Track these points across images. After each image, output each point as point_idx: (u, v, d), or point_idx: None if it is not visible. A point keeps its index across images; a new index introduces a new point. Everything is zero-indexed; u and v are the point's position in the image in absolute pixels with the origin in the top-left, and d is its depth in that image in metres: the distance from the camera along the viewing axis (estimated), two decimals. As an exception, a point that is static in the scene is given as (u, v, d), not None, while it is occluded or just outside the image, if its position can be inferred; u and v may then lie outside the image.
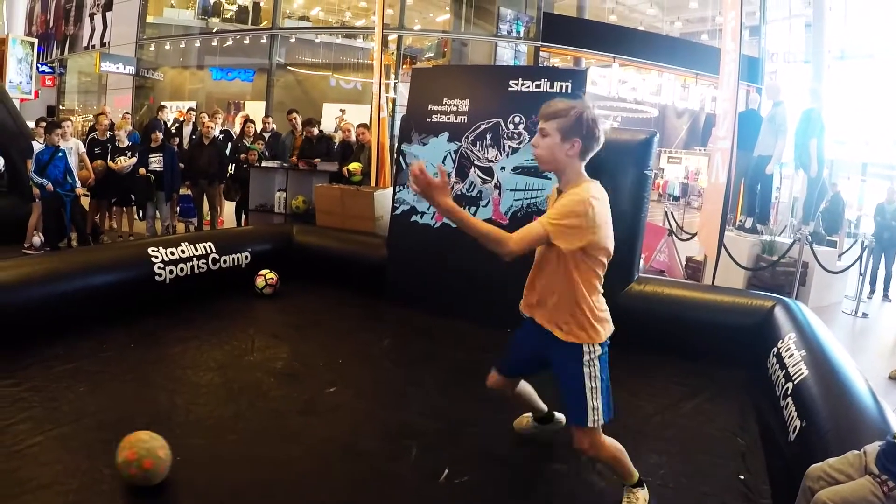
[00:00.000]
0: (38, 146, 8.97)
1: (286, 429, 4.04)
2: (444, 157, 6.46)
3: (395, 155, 7.01)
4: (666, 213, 11.52)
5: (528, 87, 6.20)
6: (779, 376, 4.35)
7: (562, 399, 3.19)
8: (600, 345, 3.06)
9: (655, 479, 3.60)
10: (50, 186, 8.58)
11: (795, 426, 3.58)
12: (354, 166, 8.75)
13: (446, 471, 3.55)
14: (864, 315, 8.92)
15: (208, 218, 10.75)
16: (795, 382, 3.95)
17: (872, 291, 10.23)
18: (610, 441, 3.20)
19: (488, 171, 6.26)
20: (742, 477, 3.71)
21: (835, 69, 17.03)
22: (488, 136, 6.28)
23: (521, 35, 19.60)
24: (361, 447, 3.86)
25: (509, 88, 6.26)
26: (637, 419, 4.44)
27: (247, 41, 20.52)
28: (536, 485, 3.54)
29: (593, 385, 3.06)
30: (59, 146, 8.76)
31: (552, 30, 18.67)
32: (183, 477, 3.41)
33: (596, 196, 2.84)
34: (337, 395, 4.60)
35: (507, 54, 20.30)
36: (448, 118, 6.52)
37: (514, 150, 6.18)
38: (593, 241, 2.86)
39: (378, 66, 8.82)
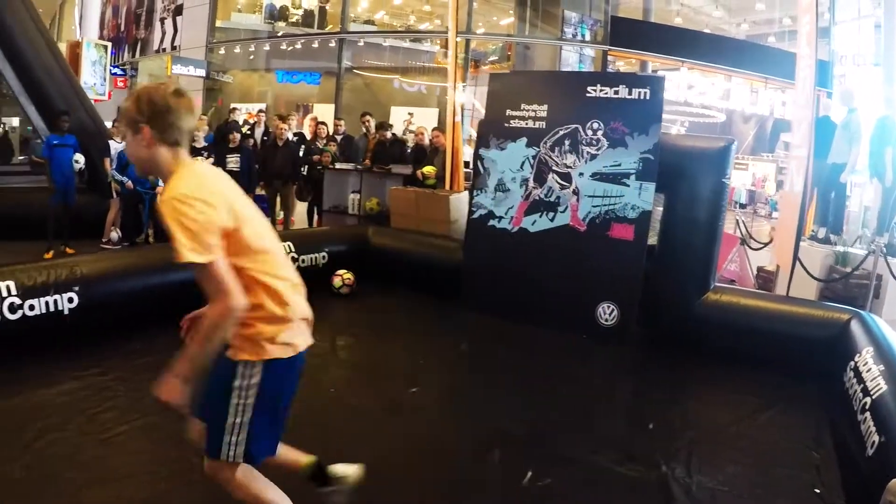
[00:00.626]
0: (115, 145, 9.28)
1: (370, 427, 4.15)
2: (522, 163, 6.56)
3: (473, 159, 7.10)
4: (737, 221, 11.39)
5: (607, 93, 6.26)
6: (856, 391, 4.33)
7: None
8: (262, 365, 2.45)
9: (732, 489, 3.64)
10: (130, 184, 8.92)
11: (874, 441, 3.58)
12: (428, 170, 8.87)
13: (529, 473, 3.63)
14: (940, 331, 8.70)
15: (280, 217, 10.97)
16: (874, 397, 3.94)
17: (948, 307, 9.96)
18: (256, 483, 2.66)
19: (567, 177, 6.33)
20: (818, 490, 3.70)
21: (908, 72, 16.51)
22: (567, 142, 6.35)
23: (587, 38, 19.49)
24: (446, 448, 3.98)
25: (587, 94, 6.33)
26: (711, 429, 4.49)
27: (315, 45, 20.79)
28: (620, 491, 3.60)
29: (237, 418, 2.46)
30: (140, 146, 9.06)
31: (620, 33, 18.49)
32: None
33: (184, 190, 2.25)
34: (420, 397, 4.72)
35: (571, 58, 20.19)
36: (526, 123, 6.61)
37: (593, 157, 6.24)
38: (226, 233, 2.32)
39: (452, 70, 8.91)
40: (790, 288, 7.05)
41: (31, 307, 4.95)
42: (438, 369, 5.42)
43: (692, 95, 19.61)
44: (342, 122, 11.70)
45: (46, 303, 5.07)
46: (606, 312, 6.11)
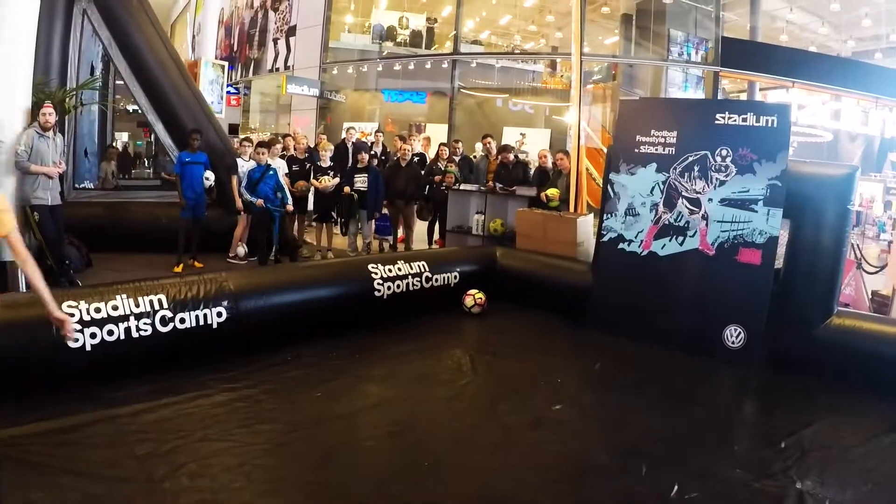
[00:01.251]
0: (243, 163, 9.74)
1: (519, 443, 4.44)
2: (653, 188, 6.82)
3: (603, 183, 7.31)
4: (852, 245, 11.24)
5: (735, 120, 6.46)
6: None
7: None
8: None
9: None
10: (261, 202, 9.29)
11: None
12: (552, 192, 9.09)
13: (676, 487, 3.86)
14: None
15: (401, 235, 11.32)
16: None
17: None
18: None
19: (696, 203, 6.56)
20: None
21: None
22: (696, 168, 6.59)
23: (695, 59, 19.32)
24: (594, 462, 4.23)
25: (716, 122, 6.54)
26: (840, 449, 4.60)
27: (428, 65, 21.12)
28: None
29: None
30: (270, 164, 9.48)
31: (729, 54, 18.24)
32: (429, 484, 3.82)
33: None
34: (563, 413, 4.97)
35: (677, 77, 20.05)
36: (656, 149, 6.85)
37: (722, 183, 6.46)
38: None
39: (576, 93, 9.09)
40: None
41: (182, 320, 5.23)
42: (578, 388, 5.66)
43: (803, 116, 19.26)
44: (460, 144, 11.82)
45: (197, 316, 5.35)
46: (733, 335, 6.30)
